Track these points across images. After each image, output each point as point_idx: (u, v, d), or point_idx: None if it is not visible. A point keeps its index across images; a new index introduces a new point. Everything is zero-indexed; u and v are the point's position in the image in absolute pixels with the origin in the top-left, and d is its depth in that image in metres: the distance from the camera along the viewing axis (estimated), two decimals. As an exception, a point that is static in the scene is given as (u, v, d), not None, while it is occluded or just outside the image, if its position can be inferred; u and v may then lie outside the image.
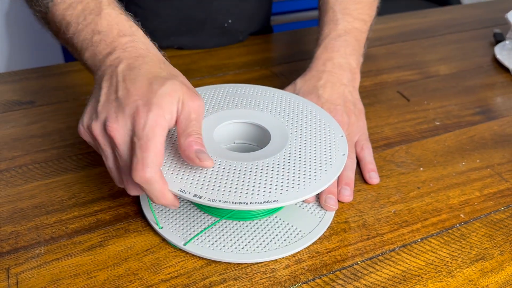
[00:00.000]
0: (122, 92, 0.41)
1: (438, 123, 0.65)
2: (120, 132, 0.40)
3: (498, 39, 0.88)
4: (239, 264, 0.44)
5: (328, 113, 0.53)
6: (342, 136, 0.49)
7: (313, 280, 0.43)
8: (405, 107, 0.68)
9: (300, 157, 0.45)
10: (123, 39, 0.44)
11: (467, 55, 0.85)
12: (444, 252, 0.46)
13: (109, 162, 0.43)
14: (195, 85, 0.71)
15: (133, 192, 0.43)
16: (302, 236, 0.46)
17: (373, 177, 0.54)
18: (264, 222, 0.47)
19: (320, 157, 0.46)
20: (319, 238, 0.47)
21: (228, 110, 0.51)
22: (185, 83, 0.42)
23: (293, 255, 0.45)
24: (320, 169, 0.45)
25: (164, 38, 0.81)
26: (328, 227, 0.48)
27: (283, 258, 0.45)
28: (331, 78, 0.58)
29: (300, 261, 0.45)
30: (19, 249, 0.45)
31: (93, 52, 0.44)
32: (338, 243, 0.47)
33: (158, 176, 0.39)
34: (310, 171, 0.44)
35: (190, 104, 0.41)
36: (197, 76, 0.74)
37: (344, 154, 0.47)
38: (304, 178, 0.43)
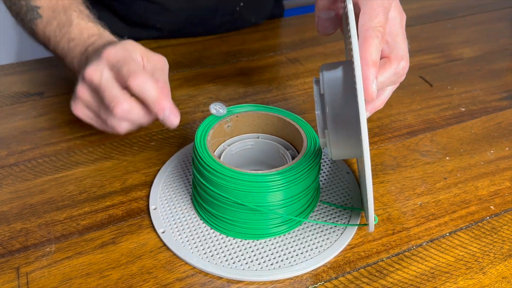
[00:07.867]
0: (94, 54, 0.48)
1: (463, 109, 0.62)
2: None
3: (524, 19, 0.84)
4: (257, 261, 0.42)
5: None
6: None
7: (336, 278, 0.41)
8: (428, 92, 0.65)
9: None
10: (92, 38, 0.52)
11: (491, 37, 0.81)
12: (475, 247, 0.44)
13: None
14: (209, 73, 0.69)
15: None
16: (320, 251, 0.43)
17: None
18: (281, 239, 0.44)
19: None
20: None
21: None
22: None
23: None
24: None
25: (175, 30, 0.78)
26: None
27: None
28: None
29: (322, 258, 0.42)
30: (29, 247, 0.43)
31: (71, 56, 0.53)
32: (362, 238, 0.44)
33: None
34: None
35: (153, 57, 0.47)
36: (210, 64, 0.72)
37: None
38: None
